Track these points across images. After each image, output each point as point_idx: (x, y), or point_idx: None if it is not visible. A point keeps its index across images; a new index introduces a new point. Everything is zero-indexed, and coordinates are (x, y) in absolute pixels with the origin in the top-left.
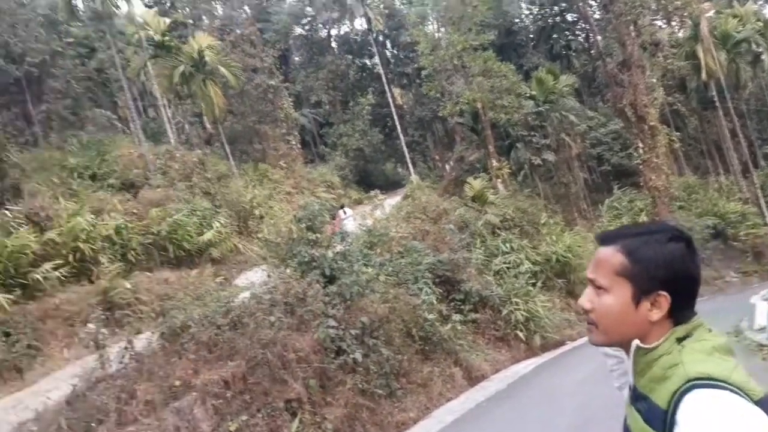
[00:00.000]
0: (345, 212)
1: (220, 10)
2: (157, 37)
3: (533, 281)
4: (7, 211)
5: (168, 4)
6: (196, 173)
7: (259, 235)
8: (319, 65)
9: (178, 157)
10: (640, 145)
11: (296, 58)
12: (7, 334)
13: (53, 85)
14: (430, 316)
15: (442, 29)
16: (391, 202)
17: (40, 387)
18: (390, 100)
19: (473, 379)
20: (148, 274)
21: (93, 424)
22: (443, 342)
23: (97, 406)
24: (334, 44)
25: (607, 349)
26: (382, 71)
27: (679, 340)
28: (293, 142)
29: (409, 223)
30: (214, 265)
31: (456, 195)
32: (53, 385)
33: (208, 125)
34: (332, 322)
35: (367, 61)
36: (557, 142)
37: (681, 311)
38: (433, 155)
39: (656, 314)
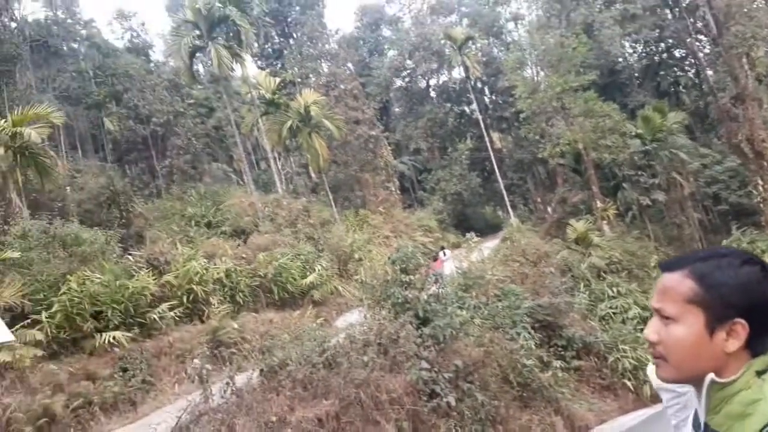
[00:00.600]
0: (444, 254)
1: (325, 67)
2: (268, 96)
3: (642, 327)
4: (130, 256)
5: (279, 65)
6: (301, 219)
7: (356, 278)
8: (418, 114)
9: (285, 205)
10: (760, 182)
11: (396, 109)
12: (125, 369)
13: (176, 142)
14: (529, 362)
15: (541, 72)
16: (490, 245)
17: (151, 419)
18: (488, 144)
19: (576, 429)
20: (255, 314)
21: None
22: (543, 389)
23: None
24: (432, 93)
25: (665, 384)
26: (480, 117)
27: (759, 373)
28: (392, 189)
29: (506, 266)
30: (316, 307)
31: (558, 237)
32: (162, 419)
33: (313, 175)
34: (425, 364)
35: (466, 108)
36: (667, 181)
37: (760, 341)
38: (533, 197)
39: (733, 344)
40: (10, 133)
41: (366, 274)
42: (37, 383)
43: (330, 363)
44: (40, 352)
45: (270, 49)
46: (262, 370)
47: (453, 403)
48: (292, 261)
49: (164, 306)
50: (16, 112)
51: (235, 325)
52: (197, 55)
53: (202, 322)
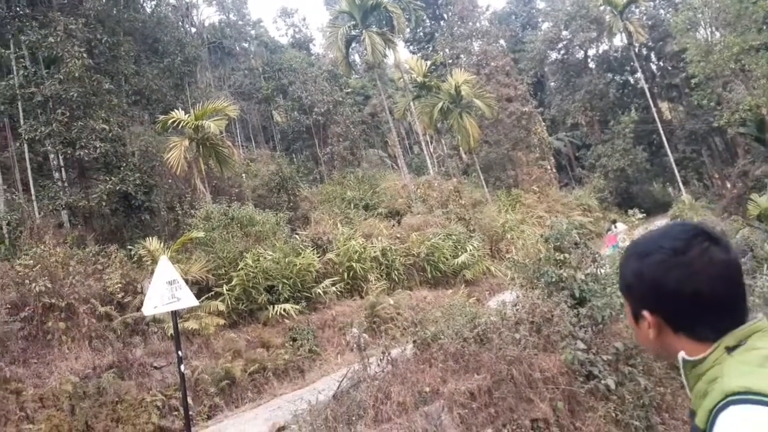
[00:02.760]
0: (616, 227)
1: (476, 46)
2: (420, 79)
3: None
4: (297, 236)
5: (429, 48)
6: (452, 200)
7: (508, 256)
8: (575, 87)
9: (436, 186)
10: None
11: (551, 83)
12: (294, 339)
13: (335, 130)
14: None
15: (716, 32)
16: (660, 224)
17: (317, 385)
18: (655, 115)
19: None
20: (409, 292)
21: (353, 418)
22: None
23: (357, 403)
24: (591, 64)
25: None
26: (645, 86)
27: (729, 349)
28: (547, 167)
29: None
30: (468, 287)
31: (738, 215)
32: (327, 385)
33: (464, 156)
34: (581, 345)
35: (629, 77)
36: None
37: (690, 327)
38: (709, 172)
39: (651, 333)
40: (193, 126)
41: (518, 253)
42: (220, 349)
43: (481, 338)
44: (221, 321)
45: (421, 33)
46: (415, 342)
47: (612, 386)
48: (443, 241)
49: (327, 282)
50: (197, 108)
51: (391, 301)
52: (353, 45)
53: (361, 297)
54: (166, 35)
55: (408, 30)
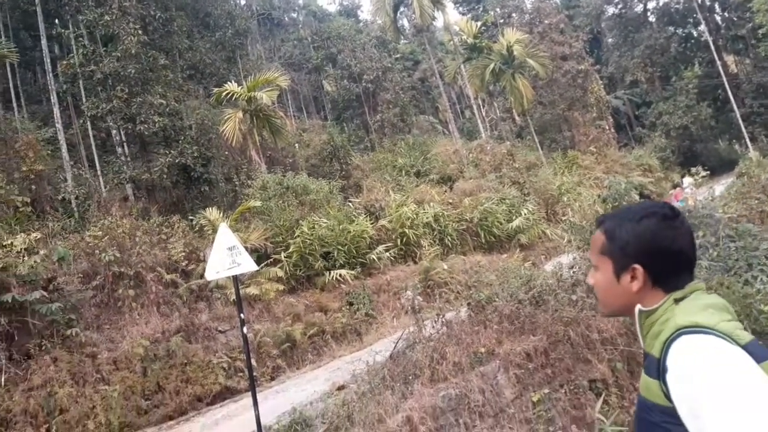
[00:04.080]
0: (684, 182)
1: (528, 4)
2: (470, 41)
3: None
4: (350, 204)
5: (480, 9)
6: (506, 164)
7: (564, 219)
8: (634, 42)
9: (489, 150)
10: None
11: (608, 40)
12: (351, 303)
13: (385, 97)
14: (766, 308)
15: None
16: (725, 183)
17: (374, 347)
18: (720, 69)
19: None
20: (462, 257)
21: (410, 377)
22: None
23: (413, 363)
24: (651, 18)
25: None
26: (710, 38)
27: (677, 301)
28: (605, 126)
29: (742, 204)
30: (523, 251)
31: None
32: (383, 347)
33: (517, 118)
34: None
35: (692, 30)
36: None
37: (666, 280)
38: None
39: (636, 285)
40: (246, 98)
41: (574, 215)
42: (280, 313)
43: (537, 300)
44: (281, 287)
45: None
46: (469, 304)
47: None
48: (497, 205)
49: (381, 248)
50: (249, 80)
51: (445, 266)
52: (401, 9)
53: (415, 263)
54: (217, 8)
55: None
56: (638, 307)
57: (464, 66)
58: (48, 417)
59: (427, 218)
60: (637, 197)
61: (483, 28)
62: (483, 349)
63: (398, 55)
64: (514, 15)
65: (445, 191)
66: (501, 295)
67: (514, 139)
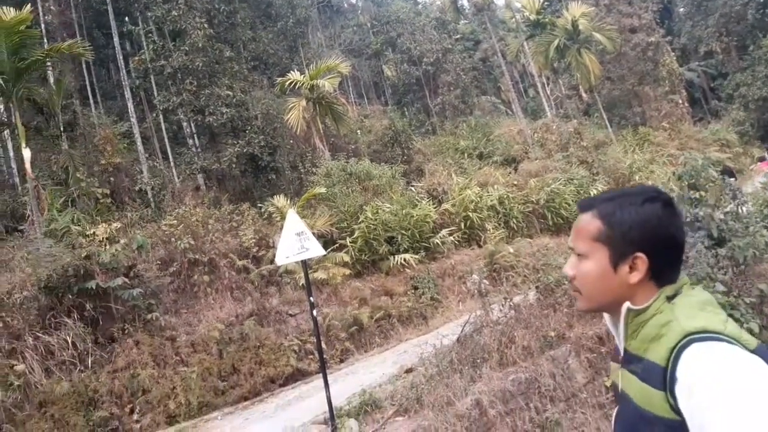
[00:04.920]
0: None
1: None
2: (532, 17)
3: None
4: (413, 188)
5: None
6: (573, 143)
7: None
8: (708, 11)
9: (555, 130)
10: None
11: (680, 9)
12: (416, 288)
13: (446, 79)
14: None
15: None
16: None
17: (440, 331)
18: None
19: None
20: (529, 240)
21: (478, 361)
22: None
23: (482, 346)
24: None
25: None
26: None
27: (669, 298)
28: (678, 101)
29: None
30: None
31: None
32: (450, 330)
33: (584, 95)
34: (720, 287)
35: None
36: None
37: (663, 273)
38: None
39: (635, 276)
40: (309, 86)
41: None
42: (347, 297)
43: None
44: (347, 272)
45: None
46: (538, 287)
47: (756, 330)
48: (564, 186)
49: (444, 232)
50: (311, 68)
51: (511, 249)
52: None
53: (480, 246)
54: None
55: None
56: (627, 305)
57: (527, 43)
58: (132, 397)
59: (491, 201)
60: (714, 174)
61: (546, 3)
62: (553, 333)
63: (458, 36)
64: None
65: (510, 173)
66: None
67: (581, 117)
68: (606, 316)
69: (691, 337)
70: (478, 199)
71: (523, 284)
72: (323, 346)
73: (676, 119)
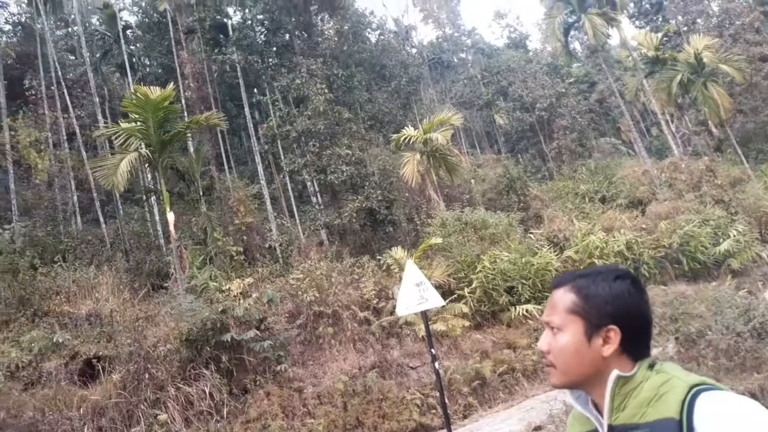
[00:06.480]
0: None
1: (714, 6)
2: (651, 54)
3: None
4: (531, 235)
5: (659, 19)
6: (705, 181)
7: None
8: None
9: (684, 168)
10: None
11: None
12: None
13: (561, 123)
14: None
15: None
16: None
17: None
18: None
19: None
20: (663, 287)
21: None
22: None
23: None
24: None
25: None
26: None
27: (650, 366)
28: None
29: None
30: (735, 277)
31: None
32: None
33: (714, 130)
34: None
35: None
36: None
37: (635, 347)
38: None
39: (608, 349)
40: (422, 140)
41: None
42: (467, 350)
43: (759, 333)
44: (466, 323)
45: (647, 5)
46: (677, 338)
47: None
48: (699, 228)
49: None
50: (424, 123)
51: None
52: (571, 32)
53: None
54: (391, 60)
55: (631, 4)
56: (615, 372)
57: (646, 81)
58: None
59: (618, 246)
60: None
61: (665, 38)
62: None
63: (572, 79)
64: (698, 20)
65: (636, 216)
66: (714, 327)
67: (713, 154)
68: (570, 397)
69: (697, 388)
70: (604, 245)
71: (659, 336)
72: (446, 400)
73: None
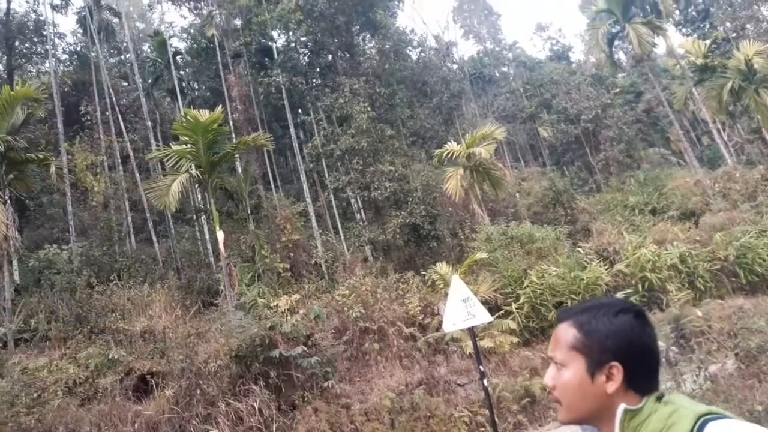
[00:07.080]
0: None
1: (765, 11)
2: (699, 62)
3: None
4: (580, 249)
5: (706, 27)
6: (761, 191)
7: None
8: None
9: (738, 178)
10: None
11: None
12: None
13: (607, 135)
14: None
15: None
16: None
17: None
18: None
19: None
20: (720, 301)
21: None
22: None
23: None
24: None
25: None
26: None
27: (659, 399)
28: None
29: None
30: None
31: None
32: None
33: None
34: None
35: None
36: None
37: (641, 382)
38: None
39: (612, 386)
40: (465, 155)
41: None
42: (516, 367)
43: None
44: (514, 339)
45: (693, 12)
46: (737, 355)
47: None
48: (756, 239)
49: (619, 295)
50: (467, 137)
51: (699, 313)
52: (615, 42)
53: (661, 310)
54: (432, 77)
55: (677, 11)
56: (623, 406)
57: (695, 89)
58: None
59: (671, 259)
60: None
61: (713, 46)
62: (760, 407)
63: (617, 90)
64: (748, 26)
65: (689, 228)
66: None
67: None
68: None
69: (705, 417)
70: (656, 258)
71: (717, 352)
72: (495, 418)
73: None
